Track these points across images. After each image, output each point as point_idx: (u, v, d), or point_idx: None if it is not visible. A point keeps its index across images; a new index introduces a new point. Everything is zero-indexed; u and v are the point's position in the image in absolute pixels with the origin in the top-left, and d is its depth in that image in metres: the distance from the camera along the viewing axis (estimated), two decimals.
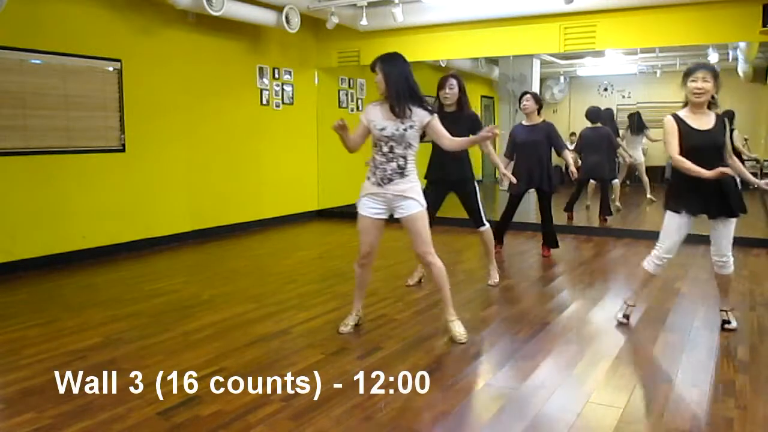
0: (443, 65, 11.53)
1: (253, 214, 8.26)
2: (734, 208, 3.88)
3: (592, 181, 8.96)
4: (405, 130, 3.65)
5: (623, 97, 14.93)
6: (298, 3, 7.59)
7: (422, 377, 3.25)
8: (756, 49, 10.00)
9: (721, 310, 4.14)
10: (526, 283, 5.31)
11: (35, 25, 5.70)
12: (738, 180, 4.07)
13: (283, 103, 8.66)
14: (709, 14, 6.84)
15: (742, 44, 9.86)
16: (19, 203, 5.67)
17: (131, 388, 3.09)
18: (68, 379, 3.20)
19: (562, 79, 15.03)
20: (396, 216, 3.80)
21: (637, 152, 10.34)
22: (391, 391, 3.06)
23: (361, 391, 3.07)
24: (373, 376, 3.27)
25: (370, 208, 3.79)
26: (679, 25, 7.03)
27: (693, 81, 3.69)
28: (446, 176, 4.88)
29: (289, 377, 3.23)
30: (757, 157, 13.18)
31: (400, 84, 3.61)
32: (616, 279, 5.65)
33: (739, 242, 6.94)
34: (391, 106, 3.65)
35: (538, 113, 6.26)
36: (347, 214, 9.23)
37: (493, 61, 13.15)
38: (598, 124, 8.56)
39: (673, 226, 3.93)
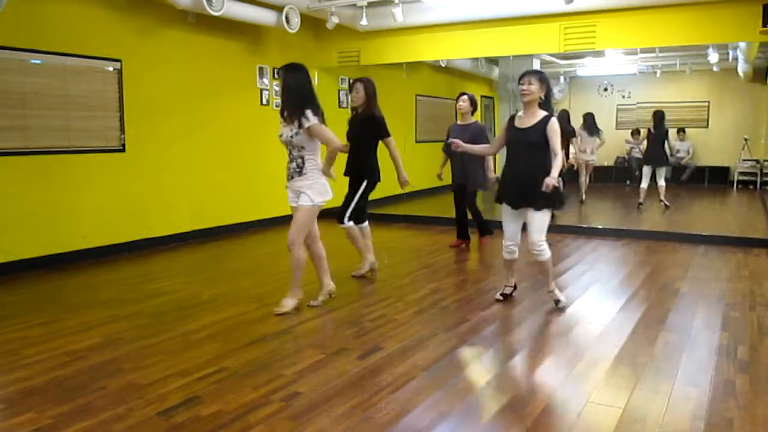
0: (443, 65, 11.53)
1: (254, 214, 8.26)
2: (530, 203, 4.34)
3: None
4: (291, 137, 4.23)
5: (623, 97, 14.92)
6: (298, 3, 7.59)
7: (422, 376, 3.25)
8: (756, 49, 10.01)
9: (548, 292, 4.61)
10: (526, 283, 5.31)
11: (35, 25, 5.70)
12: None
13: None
14: (709, 14, 6.84)
15: (742, 44, 9.86)
16: (20, 203, 5.67)
17: (131, 388, 3.10)
18: (68, 378, 3.21)
19: (562, 79, 15.04)
20: None
21: (584, 149, 10.60)
22: (391, 391, 3.06)
23: (361, 391, 3.08)
24: (373, 376, 3.27)
25: (289, 198, 4.54)
26: (679, 25, 7.03)
27: (521, 84, 4.34)
28: (347, 170, 5.37)
29: (289, 377, 3.23)
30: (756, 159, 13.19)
31: (293, 92, 4.18)
32: (616, 279, 5.65)
33: (739, 242, 7.01)
34: (281, 111, 4.27)
35: (472, 114, 6.65)
36: None
37: (493, 61, 13.16)
38: None
39: (504, 215, 4.52)
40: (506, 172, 4.48)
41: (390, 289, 5.13)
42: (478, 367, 3.48)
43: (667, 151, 9.77)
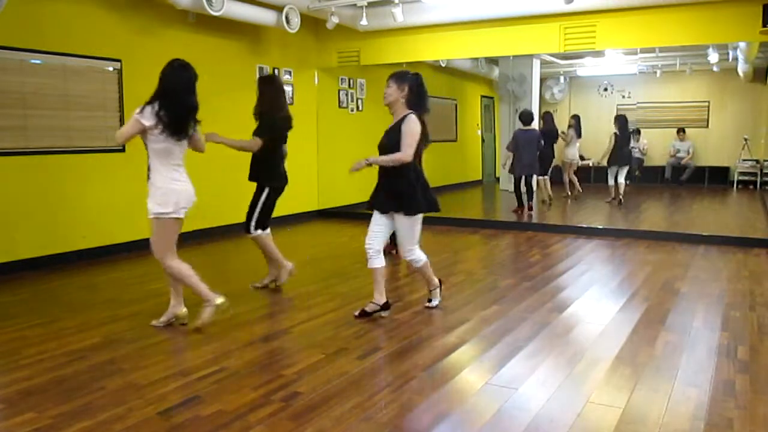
0: (443, 65, 11.53)
1: None
2: (395, 207, 4.16)
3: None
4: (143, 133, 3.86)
5: (623, 97, 14.91)
6: (298, 3, 7.59)
7: (422, 376, 3.25)
8: (756, 49, 10.00)
9: (430, 290, 4.56)
10: (526, 283, 5.31)
11: (35, 25, 5.70)
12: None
13: None
14: (709, 14, 6.84)
15: (742, 44, 9.86)
16: (20, 203, 5.67)
17: (131, 388, 3.10)
18: (68, 378, 3.21)
19: (562, 79, 15.03)
20: None
21: (574, 152, 11.16)
22: (391, 391, 3.06)
23: (361, 391, 3.08)
24: (373, 376, 3.27)
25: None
26: (679, 25, 7.03)
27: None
28: (249, 174, 5.04)
29: (289, 377, 3.23)
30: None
31: (157, 89, 3.88)
32: (616, 279, 5.65)
33: (739, 242, 7.01)
34: None
35: None
36: (347, 214, 9.23)
37: (493, 61, 13.15)
38: (530, 127, 9.25)
39: (372, 218, 4.30)
40: (378, 176, 4.30)
41: (390, 290, 5.13)
42: (478, 367, 3.48)
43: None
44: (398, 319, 4.28)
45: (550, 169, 10.61)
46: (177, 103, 3.83)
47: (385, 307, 4.30)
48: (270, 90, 5.05)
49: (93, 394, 3.02)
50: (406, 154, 4.01)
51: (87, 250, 6.23)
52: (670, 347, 3.72)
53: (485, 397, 3.05)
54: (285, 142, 5.18)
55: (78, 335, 3.92)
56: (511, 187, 9.81)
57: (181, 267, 3.93)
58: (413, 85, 4.10)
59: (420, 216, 4.23)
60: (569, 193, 11.29)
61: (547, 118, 10.80)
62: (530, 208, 9.43)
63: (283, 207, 8.71)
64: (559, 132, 11.05)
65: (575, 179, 11.32)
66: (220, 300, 3.95)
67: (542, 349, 3.70)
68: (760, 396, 3.02)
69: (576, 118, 11.20)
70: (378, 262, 4.23)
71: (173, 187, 3.84)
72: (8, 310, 4.48)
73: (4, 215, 5.56)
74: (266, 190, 4.96)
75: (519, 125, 9.48)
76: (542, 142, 9.36)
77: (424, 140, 4.18)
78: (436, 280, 4.56)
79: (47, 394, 3.04)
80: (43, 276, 5.56)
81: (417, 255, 4.33)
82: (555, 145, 10.82)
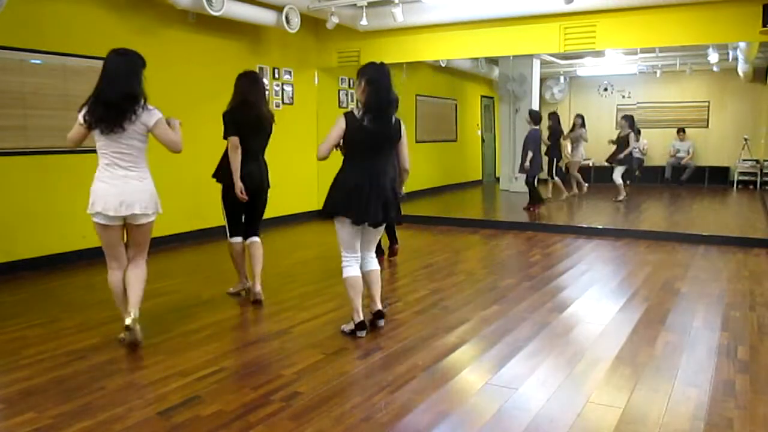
0: (443, 65, 11.54)
1: None
2: None
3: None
4: None
5: (623, 97, 14.91)
6: (298, 3, 7.59)
7: (422, 376, 3.25)
8: (756, 49, 10.01)
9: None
10: (526, 283, 5.31)
11: (35, 25, 5.70)
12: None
13: (283, 103, 8.66)
14: (709, 14, 6.84)
15: (742, 44, 9.86)
16: (20, 203, 5.67)
17: (131, 388, 3.10)
18: (68, 378, 3.21)
19: (562, 79, 15.03)
20: None
21: (583, 151, 11.58)
22: (391, 391, 3.06)
23: (361, 391, 3.07)
24: (373, 376, 3.27)
25: None
26: (679, 25, 7.03)
27: None
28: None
29: (289, 377, 3.23)
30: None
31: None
32: (616, 279, 5.64)
33: (739, 242, 7.01)
34: None
35: None
36: None
37: (493, 61, 13.15)
38: (537, 126, 9.48)
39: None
40: None
41: (390, 289, 5.13)
42: (478, 367, 3.48)
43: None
44: (398, 319, 4.28)
45: (553, 169, 10.69)
46: (105, 93, 3.54)
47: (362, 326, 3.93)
48: (236, 85, 4.81)
49: (93, 394, 3.02)
50: (319, 147, 3.94)
51: (87, 250, 6.22)
52: (670, 347, 3.72)
53: (485, 397, 3.05)
54: (262, 141, 4.96)
55: (78, 335, 3.92)
56: (512, 187, 9.84)
57: (111, 283, 3.71)
58: (366, 80, 3.81)
59: (339, 219, 3.95)
60: (577, 191, 11.39)
61: (553, 118, 10.89)
62: (533, 209, 9.54)
63: (283, 207, 8.76)
64: (564, 132, 11.15)
65: (576, 176, 11.46)
66: (128, 320, 3.59)
67: (542, 349, 3.70)
68: (760, 396, 3.02)
69: (581, 117, 11.32)
70: (353, 270, 3.94)
71: (93, 187, 3.59)
72: (8, 310, 4.48)
73: (4, 215, 5.56)
74: (222, 189, 4.86)
75: (520, 125, 9.51)
76: (548, 140, 9.45)
77: (367, 139, 3.86)
78: (373, 304, 4.10)
79: (47, 394, 3.04)
80: (43, 276, 5.56)
81: (343, 263, 3.95)
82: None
